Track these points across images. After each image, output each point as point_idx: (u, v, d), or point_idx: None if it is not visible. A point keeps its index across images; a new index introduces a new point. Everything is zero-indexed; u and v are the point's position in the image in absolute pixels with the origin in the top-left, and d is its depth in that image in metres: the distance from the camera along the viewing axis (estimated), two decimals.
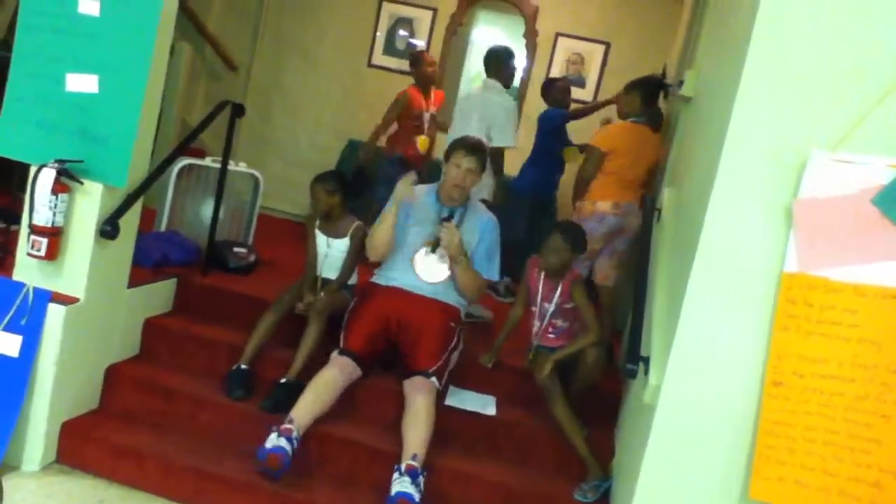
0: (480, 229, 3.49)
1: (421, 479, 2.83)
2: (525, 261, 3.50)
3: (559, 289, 3.31)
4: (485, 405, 3.35)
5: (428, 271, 3.41)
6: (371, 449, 3.09)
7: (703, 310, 2.24)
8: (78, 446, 3.09)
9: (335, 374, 3.12)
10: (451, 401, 3.29)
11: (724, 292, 2.21)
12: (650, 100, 4.21)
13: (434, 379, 3.16)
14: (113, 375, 3.32)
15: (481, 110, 4.48)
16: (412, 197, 3.41)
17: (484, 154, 3.49)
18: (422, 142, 5.15)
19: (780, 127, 2.15)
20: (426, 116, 5.19)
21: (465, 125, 4.41)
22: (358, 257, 3.62)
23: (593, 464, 3.08)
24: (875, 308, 2.05)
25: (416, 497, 2.75)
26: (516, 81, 6.42)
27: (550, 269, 3.31)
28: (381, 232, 3.41)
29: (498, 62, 4.67)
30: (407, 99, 5.14)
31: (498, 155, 4.46)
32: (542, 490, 3.05)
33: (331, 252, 3.61)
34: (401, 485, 2.78)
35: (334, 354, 3.23)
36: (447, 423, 3.16)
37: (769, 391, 2.13)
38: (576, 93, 5.65)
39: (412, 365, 3.22)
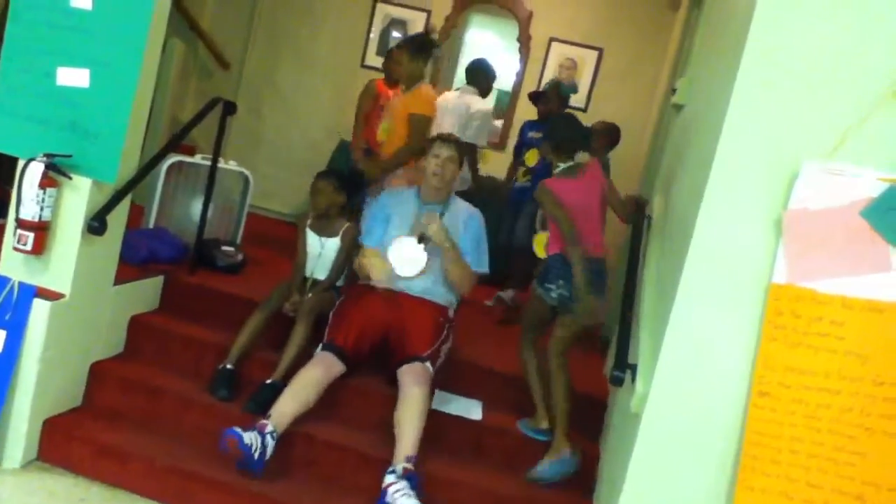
0: (464, 221, 3.50)
1: (417, 483, 2.82)
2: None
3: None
4: (471, 409, 3.35)
5: (404, 265, 3.39)
6: (356, 451, 3.08)
7: (692, 319, 2.24)
8: (60, 444, 3.06)
9: (316, 373, 3.11)
10: (436, 404, 3.28)
11: (714, 301, 2.22)
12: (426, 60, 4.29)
13: (428, 364, 3.17)
14: (97, 373, 3.29)
15: (461, 112, 4.78)
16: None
17: (459, 145, 3.57)
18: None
19: (771, 137, 2.16)
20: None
21: (441, 125, 4.54)
22: (347, 258, 3.61)
23: (546, 418, 3.25)
24: (862, 321, 2.06)
25: None
26: (508, 87, 6.48)
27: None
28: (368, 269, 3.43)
29: (485, 74, 5.01)
30: (375, 89, 5.02)
31: (472, 151, 4.83)
32: (529, 495, 3.04)
33: (325, 252, 3.60)
34: (403, 496, 2.75)
35: (317, 351, 3.23)
36: (433, 428, 3.14)
37: (755, 402, 2.13)
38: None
39: (406, 350, 3.21)
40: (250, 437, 2.84)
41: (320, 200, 3.60)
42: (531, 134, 4.95)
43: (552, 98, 4.86)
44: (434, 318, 3.36)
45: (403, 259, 3.39)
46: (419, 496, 2.79)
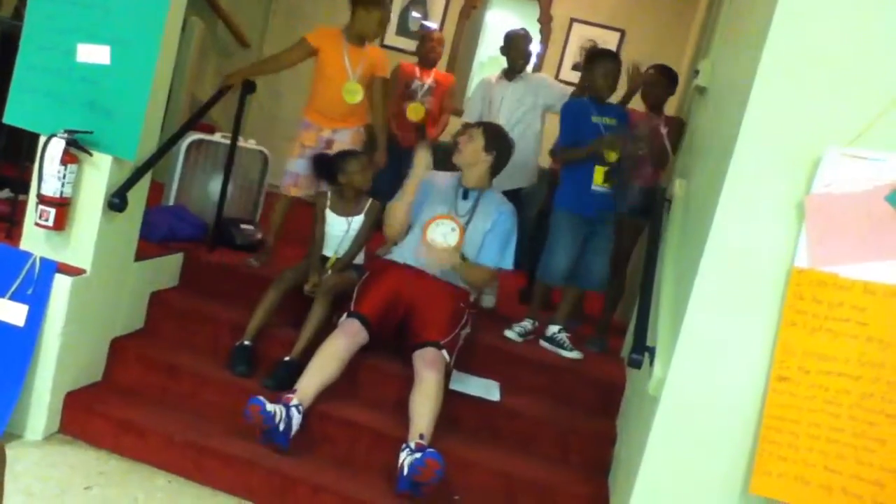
0: (494, 216, 3.43)
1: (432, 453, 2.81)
2: None
3: None
4: (489, 390, 3.35)
5: (436, 236, 3.34)
6: (372, 431, 3.09)
7: (711, 302, 2.23)
8: (81, 418, 3.10)
9: (339, 343, 3.11)
10: (454, 385, 3.28)
11: (733, 285, 2.20)
12: None
13: (445, 352, 3.16)
14: (117, 348, 3.33)
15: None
16: (429, 168, 3.48)
17: (489, 128, 3.50)
18: (411, 109, 4.79)
19: (794, 121, 2.14)
20: (417, 86, 4.95)
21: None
22: (369, 235, 3.61)
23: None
24: (884, 306, 2.04)
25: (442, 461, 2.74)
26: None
27: None
28: (398, 210, 3.48)
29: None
30: (398, 71, 4.90)
31: None
32: (542, 478, 3.05)
33: (351, 231, 3.59)
34: (417, 456, 2.76)
35: (342, 319, 3.23)
36: (448, 408, 3.15)
37: (774, 386, 2.12)
38: None
39: (423, 334, 3.20)
40: (273, 407, 2.87)
41: (353, 178, 3.55)
42: (597, 119, 3.77)
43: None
44: (455, 304, 3.35)
45: (437, 232, 3.35)
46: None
